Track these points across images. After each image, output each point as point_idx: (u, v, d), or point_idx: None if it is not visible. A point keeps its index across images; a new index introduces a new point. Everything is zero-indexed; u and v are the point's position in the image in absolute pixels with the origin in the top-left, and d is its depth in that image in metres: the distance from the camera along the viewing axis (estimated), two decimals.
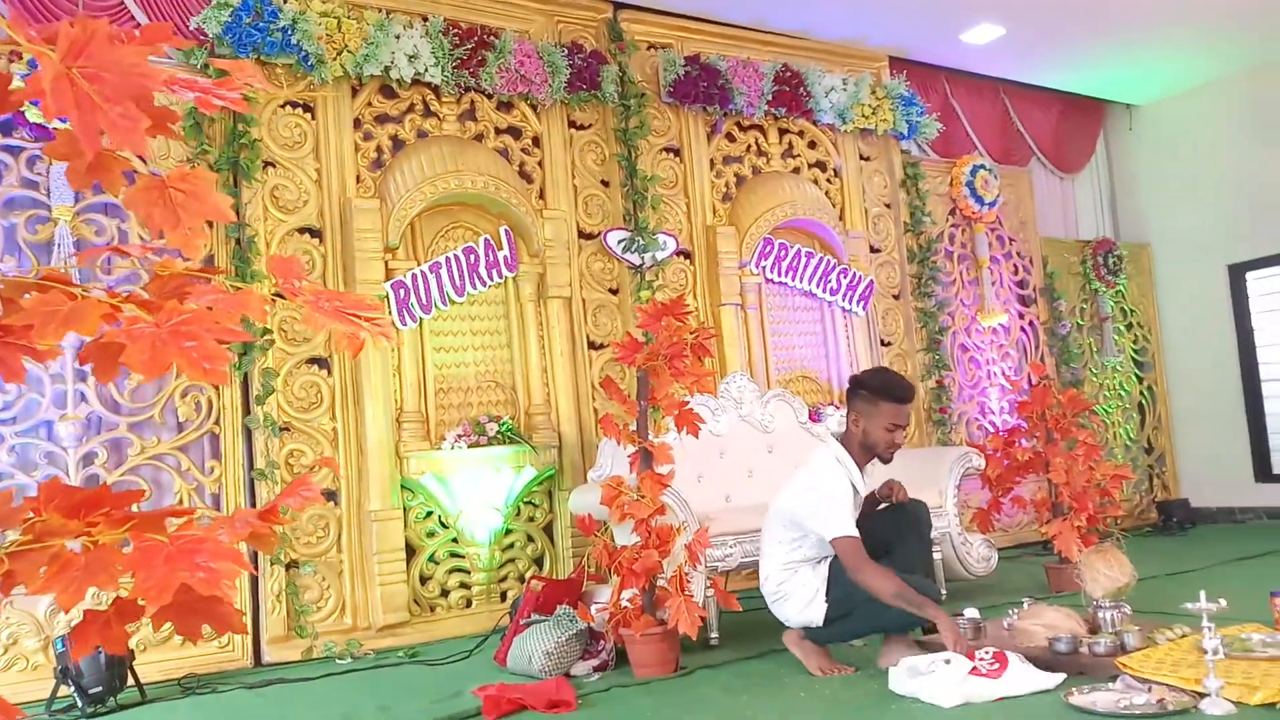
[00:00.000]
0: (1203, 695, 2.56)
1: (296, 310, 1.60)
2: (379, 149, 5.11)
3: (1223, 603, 2.63)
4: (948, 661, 2.87)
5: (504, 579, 5.10)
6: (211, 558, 1.18)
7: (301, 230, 4.86)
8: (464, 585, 5.01)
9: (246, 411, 4.62)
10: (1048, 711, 2.68)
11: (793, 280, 6.24)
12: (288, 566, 4.58)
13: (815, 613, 3.38)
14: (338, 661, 4.43)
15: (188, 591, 1.27)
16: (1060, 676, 2.94)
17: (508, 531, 5.11)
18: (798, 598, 3.41)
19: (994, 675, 2.82)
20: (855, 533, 3.26)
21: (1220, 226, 7.94)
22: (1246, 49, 7.32)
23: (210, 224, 4.59)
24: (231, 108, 1.31)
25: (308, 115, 4.93)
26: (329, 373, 4.82)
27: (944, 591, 4.79)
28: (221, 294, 1.29)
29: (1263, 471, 7.79)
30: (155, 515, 1.30)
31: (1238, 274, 7.95)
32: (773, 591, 3.50)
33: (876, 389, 3.44)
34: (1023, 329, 7.46)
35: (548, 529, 5.27)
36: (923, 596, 3.15)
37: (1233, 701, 2.53)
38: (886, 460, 3.53)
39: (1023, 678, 2.88)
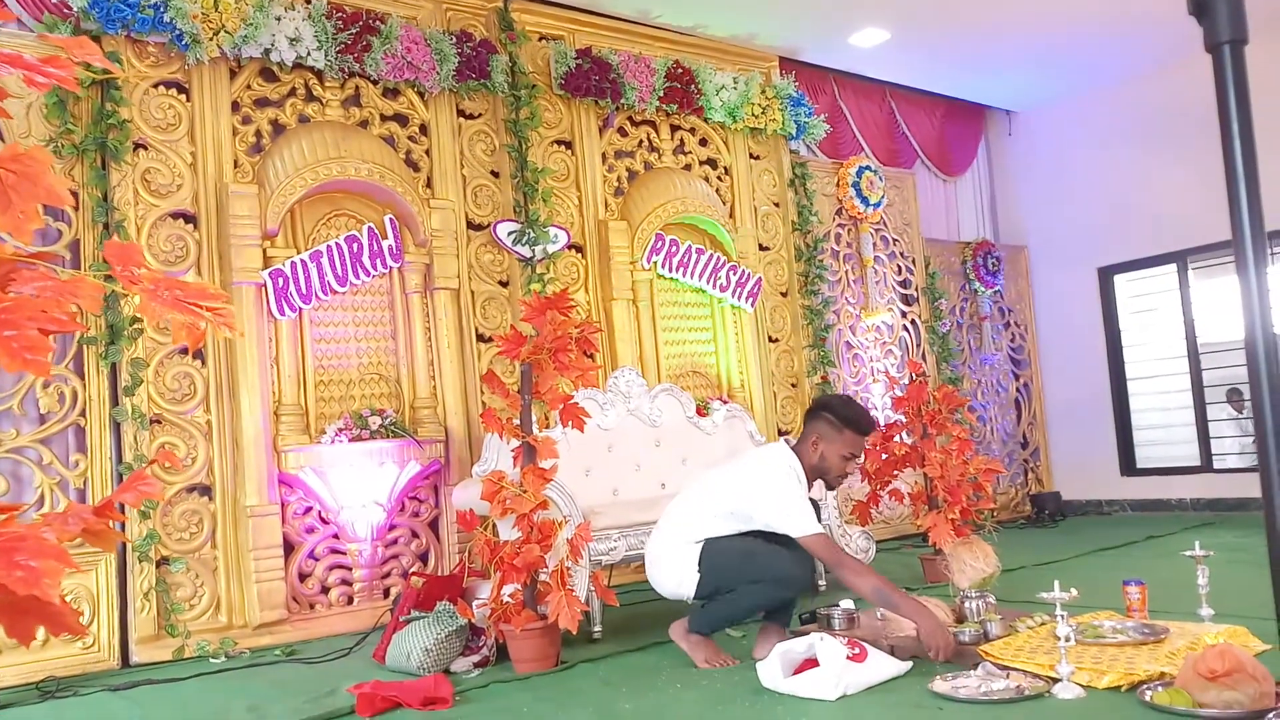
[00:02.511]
0: (1056, 680, 2.67)
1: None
2: (258, 133, 4.96)
3: (1074, 592, 2.74)
4: (821, 640, 2.94)
5: (387, 575, 5.02)
6: (32, 555, 1.13)
7: (175, 215, 4.68)
8: (345, 582, 4.91)
9: (115, 403, 4.43)
10: (912, 699, 2.76)
11: (683, 276, 6.29)
12: (158, 564, 4.42)
13: (688, 583, 3.41)
14: (211, 661, 4.29)
15: (10, 592, 1.21)
16: (909, 664, 3.06)
17: (391, 527, 5.02)
18: (675, 566, 3.44)
19: (860, 660, 2.89)
20: (823, 530, 3.32)
21: (1092, 231, 8.30)
22: (1122, 61, 7.66)
23: (75, 208, 4.42)
24: (62, 87, 1.24)
25: (182, 96, 4.76)
26: (203, 363, 4.66)
27: (823, 583, 4.90)
28: (50, 281, 1.23)
29: (1128, 465, 8.19)
30: None
31: (1107, 277, 8.33)
32: (657, 556, 3.51)
33: (845, 419, 3.48)
34: (905, 327, 7.67)
35: (433, 524, 5.21)
36: (901, 593, 3.19)
37: (1082, 685, 2.66)
38: (833, 486, 3.59)
39: (882, 665, 2.98)
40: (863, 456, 3.59)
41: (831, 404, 3.58)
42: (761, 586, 3.31)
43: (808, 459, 3.50)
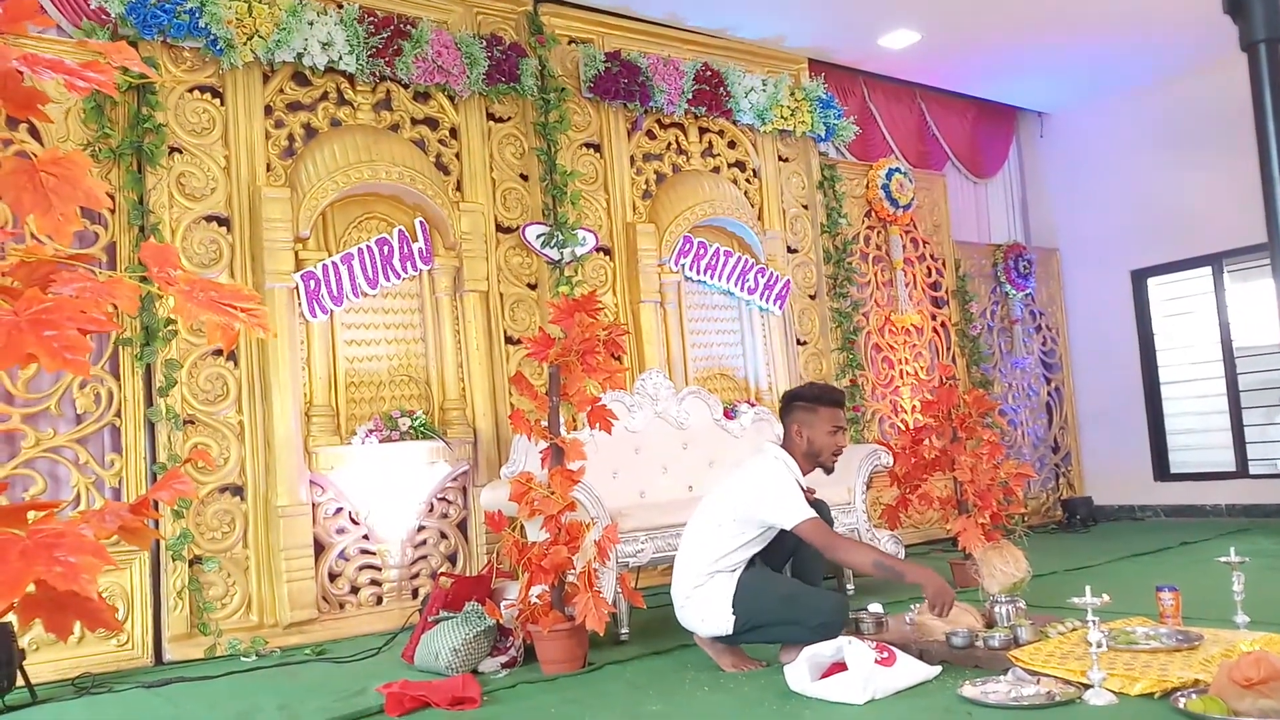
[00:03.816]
0: (1087, 686, 2.64)
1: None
2: (291, 137, 5.01)
3: (1106, 598, 2.72)
4: (850, 643, 2.93)
5: (416, 576, 5.05)
6: (71, 552, 1.15)
7: (209, 219, 4.74)
8: (374, 582, 4.94)
9: (149, 404, 4.49)
10: (941, 704, 2.75)
11: (711, 279, 6.29)
12: (191, 563, 4.47)
13: (723, 623, 3.36)
14: (242, 659, 4.34)
15: (50, 587, 1.23)
16: (938, 669, 3.04)
17: (420, 528, 5.06)
18: (707, 606, 3.39)
19: (888, 664, 2.88)
20: (814, 514, 3.33)
21: (1124, 233, 8.22)
22: (1155, 62, 7.58)
23: (112, 212, 4.49)
24: (102, 91, 1.27)
25: (216, 100, 4.81)
26: (235, 365, 4.72)
27: (850, 587, 4.87)
28: (88, 282, 1.26)
29: (1161, 471, 8.09)
30: (15, 509, 1.26)
31: (1140, 280, 8.24)
32: (685, 597, 3.45)
33: (813, 397, 3.59)
34: (935, 330, 7.62)
35: (461, 526, 5.23)
36: (901, 561, 3.31)
37: (1114, 692, 2.63)
38: (829, 469, 3.61)
39: (910, 669, 2.96)
40: (847, 428, 3.65)
41: (798, 391, 3.69)
42: (799, 630, 3.25)
43: (797, 449, 3.53)
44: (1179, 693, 2.54)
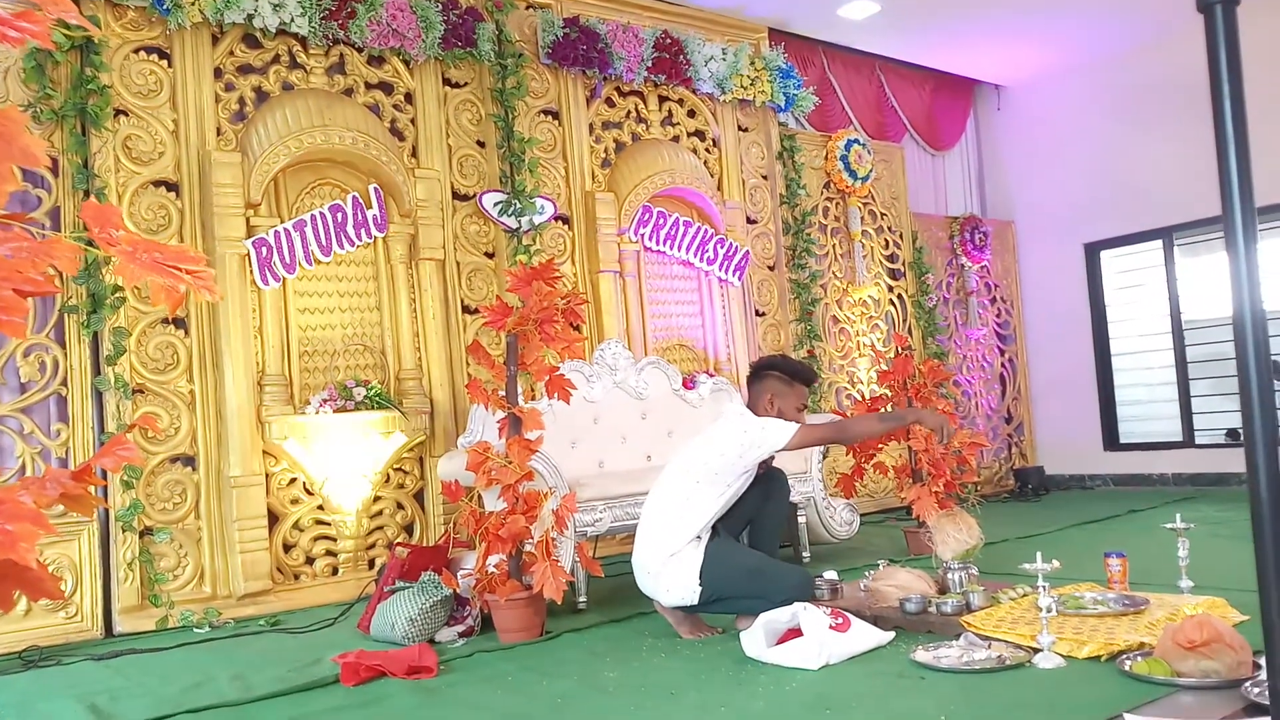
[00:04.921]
0: (1037, 650, 2.69)
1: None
2: (241, 100, 4.90)
3: (1056, 563, 2.76)
4: (805, 609, 2.95)
5: (373, 546, 5.02)
6: (8, 520, 1.11)
7: (157, 184, 4.63)
8: (330, 553, 4.90)
9: (96, 373, 4.40)
10: (894, 668, 2.78)
11: (671, 249, 6.27)
12: (141, 534, 4.40)
13: (689, 594, 3.36)
14: (195, 631, 4.29)
15: None
16: (891, 634, 3.08)
17: (376, 499, 5.02)
18: (674, 577, 3.37)
19: (843, 630, 2.91)
20: (798, 424, 3.46)
21: (1078, 206, 8.31)
22: (1110, 35, 7.64)
23: (55, 175, 4.37)
24: (37, 43, 1.22)
25: (164, 62, 4.69)
26: (186, 333, 4.63)
27: (807, 555, 4.92)
28: (25, 242, 1.21)
29: (1111, 441, 8.24)
30: None
31: (1093, 252, 8.35)
32: (658, 565, 3.40)
33: (792, 373, 3.66)
34: (891, 301, 7.67)
35: (419, 496, 5.20)
36: (894, 412, 3.91)
37: (1063, 655, 2.68)
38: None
39: (864, 635, 3.00)
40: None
41: (777, 362, 3.72)
42: (763, 604, 3.22)
43: (765, 416, 3.56)
44: (1125, 655, 2.60)
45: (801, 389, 3.65)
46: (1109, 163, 8.08)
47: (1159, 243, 7.90)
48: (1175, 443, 7.80)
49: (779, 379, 3.62)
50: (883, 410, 3.47)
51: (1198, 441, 7.70)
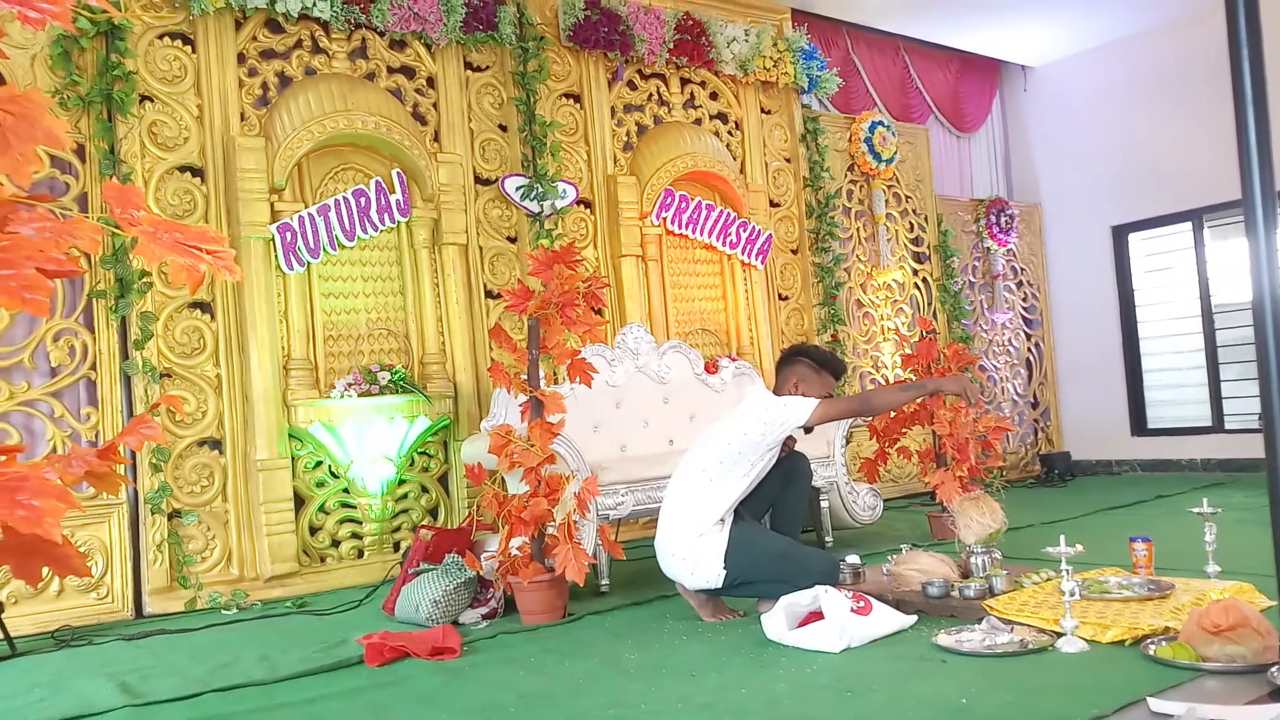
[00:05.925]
0: (1060, 634, 2.68)
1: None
2: (265, 85, 4.93)
3: (1079, 547, 2.75)
4: (826, 592, 2.95)
5: (397, 529, 5.05)
6: (34, 495, 1.13)
7: (182, 169, 4.67)
8: (356, 536, 4.94)
9: (125, 357, 4.45)
10: (916, 652, 2.78)
11: (693, 233, 6.25)
12: (170, 516, 4.46)
13: (713, 577, 3.35)
14: (223, 612, 4.35)
15: (17, 533, 1.21)
16: (914, 618, 3.07)
17: (401, 482, 5.05)
18: (698, 560, 3.36)
19: (864, 613, 2.90)
20: (819, 398, 3.46)
21: (1106, 188, 8.21)
22: (1138, 14, 7.53)
23: (83, 161, 4.41)
24: (59, 24, 1.23)
25: (188, 48, 4.72)
26: (212, 318, 4.67)
27: (830, 539, 4.91)
28: (49, 222, 1.22)
29: (1139, 426, 8.16)
30: None
31: (1121, 235, 8.25)
32: (684, 548, 3.39)
33: (822, 361, 3.65)
34: (916, 285, 7.62)
35: (443, 479, 5.23)
36: (916, 382, 3.92)
37: (1086, 640, 2.66)
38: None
39: (886, 618, 2.99)
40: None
41: (807, 349, 3.71)
42: (789, 589, 3.18)
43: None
44: (1149, 640, 2.58)
45: (829, 378, 3.62)
46: (1137, 144, 7.97)
47: (1188, 225, 7.80)
48: (1205, 428, 7.71)
49: (808, 365, 3.62)
50: (902, 384, 3.46)
51: (1227, 427, 7.61)
